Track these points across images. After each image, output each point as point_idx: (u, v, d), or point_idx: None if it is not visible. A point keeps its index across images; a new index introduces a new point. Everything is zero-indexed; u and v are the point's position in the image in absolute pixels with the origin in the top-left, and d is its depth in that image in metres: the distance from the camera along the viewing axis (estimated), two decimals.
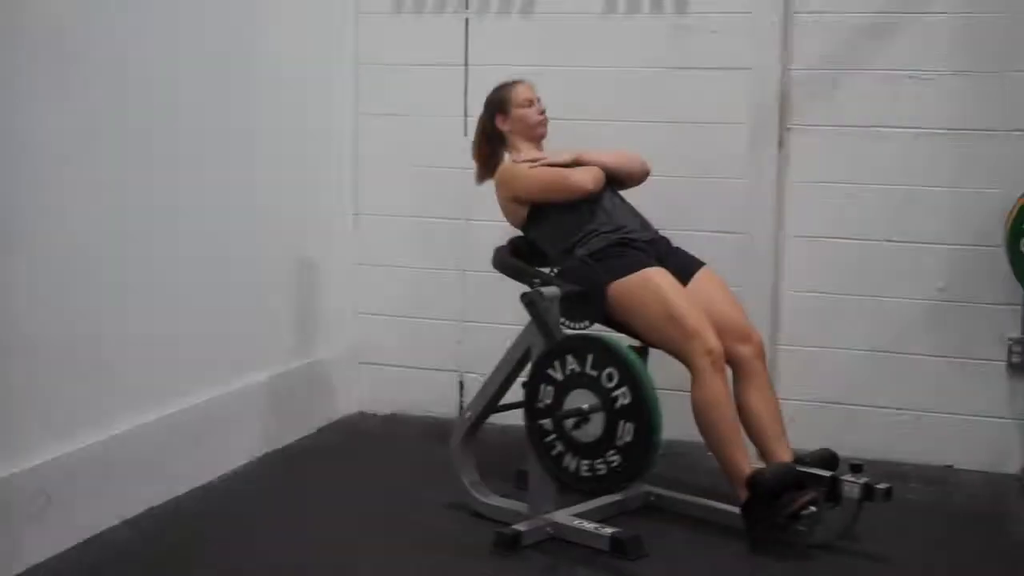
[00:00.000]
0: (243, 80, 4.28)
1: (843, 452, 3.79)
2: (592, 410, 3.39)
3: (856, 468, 3.61)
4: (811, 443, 3.95)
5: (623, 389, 3.34)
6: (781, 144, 4.53)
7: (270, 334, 4.58)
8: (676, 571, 3.47)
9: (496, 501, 3.86)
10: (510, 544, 3.55)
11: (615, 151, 4.08)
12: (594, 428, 3.40)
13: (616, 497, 3.92)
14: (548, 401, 3.51)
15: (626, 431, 3.34)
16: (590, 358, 3.42)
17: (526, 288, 3.72)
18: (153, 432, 3.84)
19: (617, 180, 4.05)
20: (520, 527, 3.61)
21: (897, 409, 4.54)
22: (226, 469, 4.23)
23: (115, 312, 3.67)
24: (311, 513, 3.89)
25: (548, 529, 3.66)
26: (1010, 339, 4.40)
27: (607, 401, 3.37)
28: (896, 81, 4.43)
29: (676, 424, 3.68)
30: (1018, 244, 4.02)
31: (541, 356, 3.58)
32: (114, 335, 3.67)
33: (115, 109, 3.63)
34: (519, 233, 4.13)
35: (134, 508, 3.77)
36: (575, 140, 4.68)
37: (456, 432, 3.94)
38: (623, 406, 3.34)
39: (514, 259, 3.98)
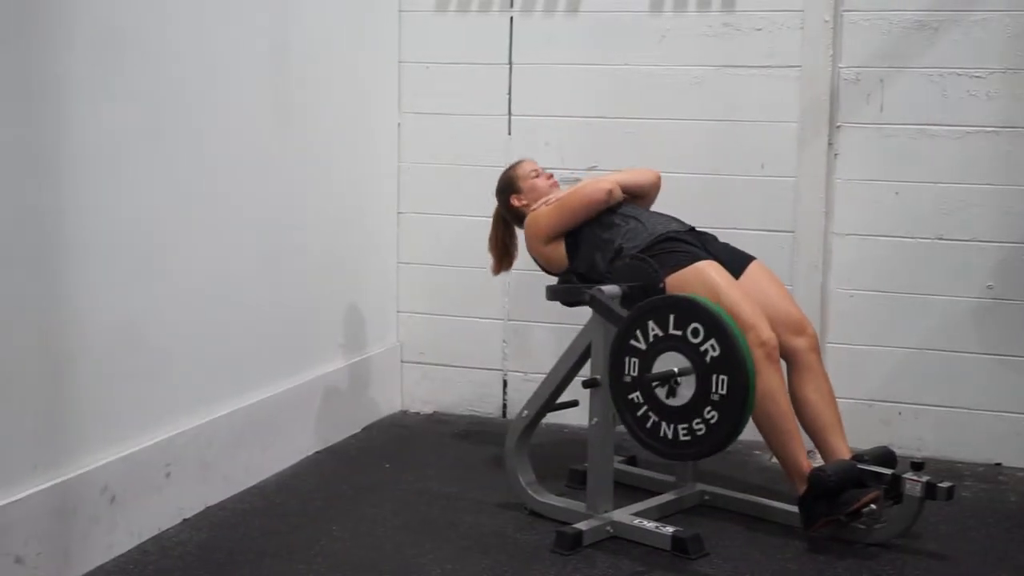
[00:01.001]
0: (287, 79, 4.26)
1: (895, 450, 3.79)
2: (683, 372, 3.37)
3: (917, 466, 3.60)
4: (858, 441, 3.96)
5: (711, 342, 3.32)
6: (830, 142, 4.52)
7: (319, 334, 4.58)
8: (739, 569, 3.46)
9: (554, 500, 3.86)
10: (571, 544, 3.55)
11: (626, 169, 4.20)
12: (686, 389, 3.36)
13: (671, 496, 3.93)
14: (635, 373, 3.47)
15: (720, 384, 3.31)
16: (672, 318, 3.39)
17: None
18: (210, 432, 3.85)
19: (635, 196, 4.11)
20: (581, 526, 3.61)
21: (946, 407, 4.53)
22: (280, 468, 4.25)
23: (170, 314, 3.66)
24: (369, 513, 3.89)
25: (608, 528, 3.66)
26: None
27: (697, 358, 3.34)
28: (944, 79, 4.42)
29: None
30: None
31: (621, 329, 3.53)
32: (170, 337, 3.67)
33: (167, 108, 3.61)
34: None
35: (193, 507, 3.78)
36: (622, 138, 4.72)
37: (512, 431, 3.94)
38: (714, 359, 3.31)
39: (564, 283, 4.04)
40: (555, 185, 4.25)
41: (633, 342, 3.47)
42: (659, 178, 4.18)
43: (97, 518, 3.35)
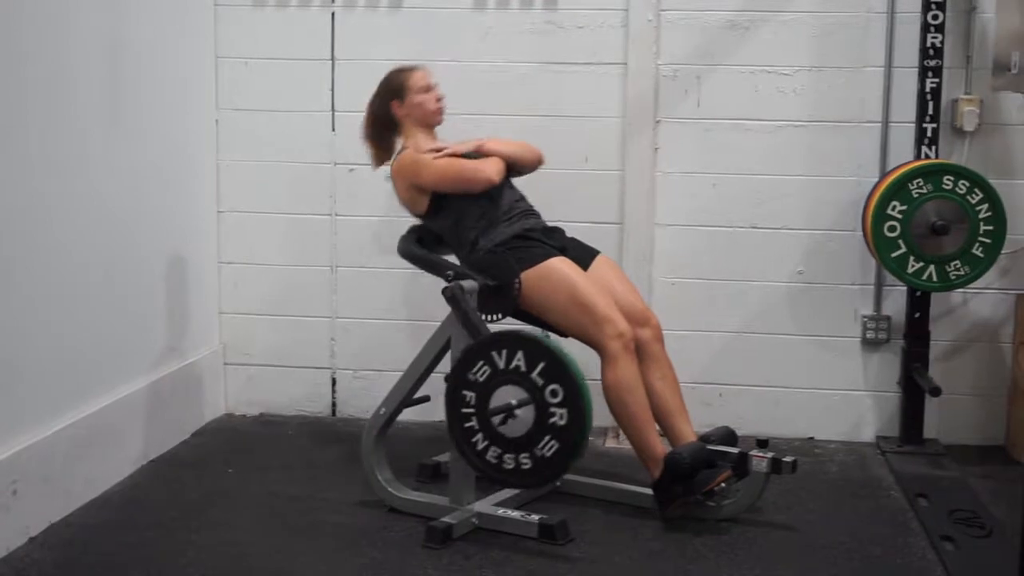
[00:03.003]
0: (102, 76, 4.05)
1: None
2: (521, 404, 3.52)
3: (762, 443, 3.81)
4: None
5: (553, 380, 3.49)
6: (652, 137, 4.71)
7: (144, 339, 4.41)
8: (606, 552, 3.57)
9: (415, 496, 3.87)
10: (442, 538, 3.58)
11: (513, 141, 4.12)
12: (523, 422, 3.53)
13: None
14: (474, 406, 3.62)
15: (560, 416, 3.49)
16: (519, 354, 3.53)
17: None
18: (52, 445, 3.68)
19: (514, 170, 4.11)
20: (449, 519, 3.64)
21: (763, 387, 4.80)
22: (118, 479, 4.10)
23: (14, 321, 3.49)
24: (227, 519, 3.80)
25: (474, 520, 3.71)
26: (864, 316, 4.73)
27: (536, 391, 3.51)
28: (756, 76, 4.68)
29: None
30: (882, 228, 4.30)
31: (465, 355, 3.63)
32: (14, 347, 3.49)
33: (14, 108, 3.44)
34: (408, 218, 4.17)
35: (38, 525, 3.60)
36: (448, 134, 4.73)
37: (369, 429, 3.92)
38: (553, 392, 3.50)
39: (424, 250, 3.99)
40: (442, 109, 4.14)
41: (472, 376, 3.61)
42: (541, 161, 4.18)
43: None
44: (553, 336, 3.99)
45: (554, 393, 3.49)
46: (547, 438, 3.50)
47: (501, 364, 3.56)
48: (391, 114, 4.13)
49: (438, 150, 4.02)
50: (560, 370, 3.49)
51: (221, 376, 5.03)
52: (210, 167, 4.93)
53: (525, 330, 3.72)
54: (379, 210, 4.86)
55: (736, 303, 4.78)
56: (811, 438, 4.78)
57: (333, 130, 4.89)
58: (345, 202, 4.91)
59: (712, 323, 4.79)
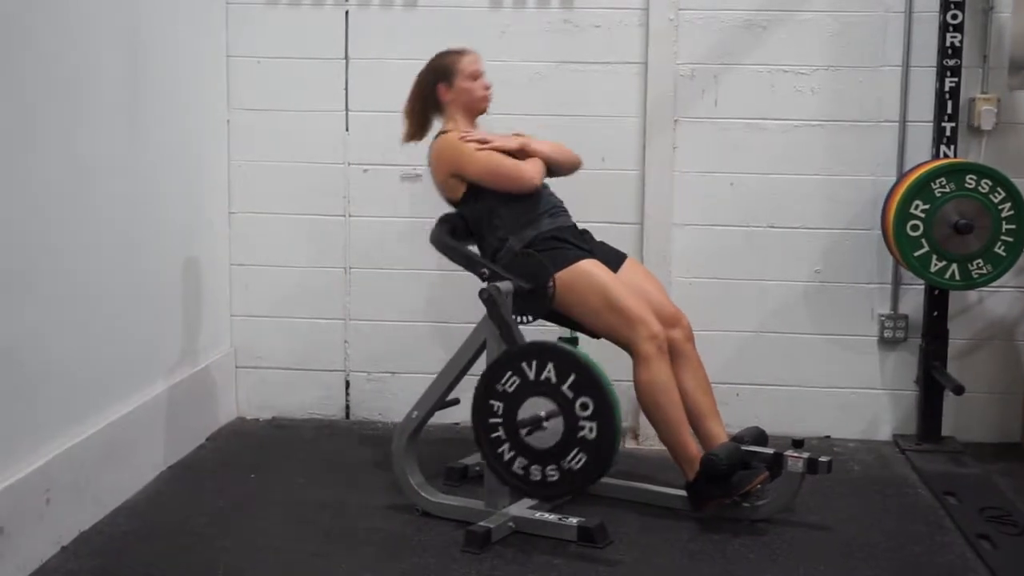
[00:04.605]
0: (121, 76, 3.97)
1: (732, 428, 4.00)
2: (550, 416, 3.53)
3: (798, 443, 3.80)
4: None
5: (584, 393, 3.49)
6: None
7: (161, 343, 4.33)
8: (647, 555, 3.55)
9: (448, 500, 3.84)
10: (482, 542, 3.54)
11: (554, 143, 4.09)
12: (552, 433, 3.53)
13: None
14: (501, 417, 3.61)
15: (590, 430, 3.48)
16: (549, 366, 3.53)
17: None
18: (82, 452, 3.62)
19: (551, 171, 4.07)
20: (487, 524, 3.61)
21: (780, 386, 4.80)
22: (141, 485, 4.04)
23: (43, 326, 3.42)
24: (258, 527, 3.74)
25: (510, 524, 3.67)
26: (881, 315, 4.74)
27: (566, 403, 3.51)
28: (773, 76, 4.67)
29: None
30: (905, 227, 4.31)
31: (494, 365, 3.62)
32: (43, 351, 3.43)
33: (38, 109, 3.37)
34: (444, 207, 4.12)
35: (68, 534, 3.54)
36: None
37: (400, 432, 3.88)
38: (584, 405, 3.49)
39: (460, 244, 3.95)
40: (489, 98, 4.10)
41: (500, 387, 3.59)
42: (579, 165, 4.16)
43: None
44: (582, 339, 3.98)
45: (584, 406, 3.48)
46: (575, 451, 3.50)
47: (531, 375, 3.54)
48: (437, 96, 4.07)
49: (483, 141, 3.97)
50: (591, 383, 3.48)
51: (232, 380, 4.96)
52: (221, 168, 4.86)
53: (557, 342, 3.71)
54: (393, 211, 4.83)
55: (753, 302, 4.78)
56: (828, 437, 4.79)
57: (347, 130, 4.84)
58: (359, 203, 4.86)
59: (729, 322, 4.79)
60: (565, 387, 3.51)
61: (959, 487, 4.13)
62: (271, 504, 3.96)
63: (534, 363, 3.55)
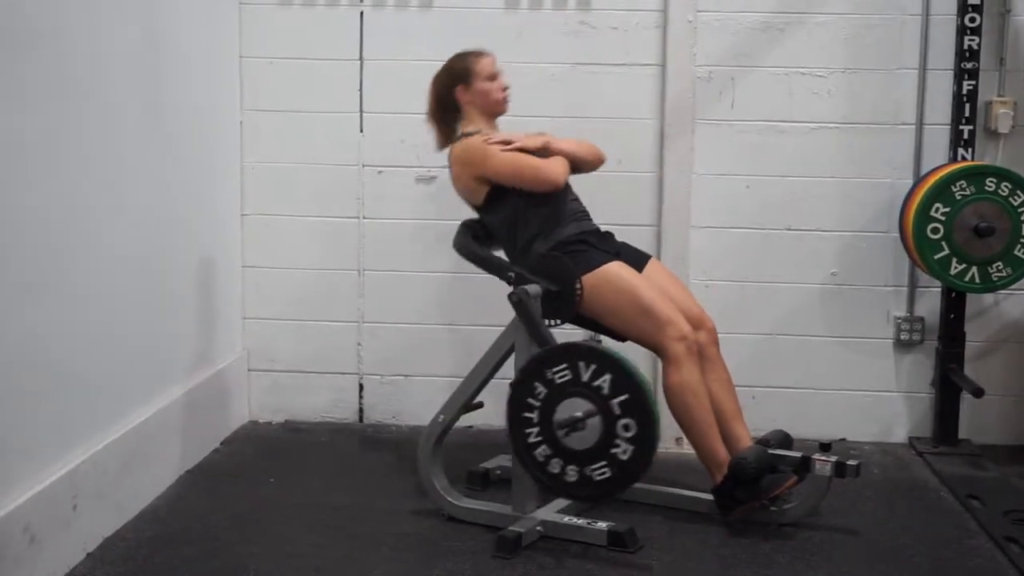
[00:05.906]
0: (138, 78, 3.91)
1: (750, 431, 3.96)
2: (588, 415, 3.46)
3: (825, 447, 3.79)
4: None
5: (620, 391, 3.42)
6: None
7: (175, 345, 4.28)
8: (679, 559, 3.54)
9: (475, 504, 3.81)
10: (512, 547, 3.52)
11: (577, 140, 4.04)
12: (591, 433, 3.47)
13: None
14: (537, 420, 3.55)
15: (628, 427, 3.42)
16: (581, 366, 3.47)
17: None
18: (105, 458, 3.57)
19: (575, 169, 4.03)
20: (517, 528, 3.58)
21: (796, 388, 4.80)
22: (161, 490, 4.00)
23: (68, 327, 3.38)
24: (283, 532, 3.70)
25: (539, 528, 3.65)
26: (897, 318, 4.74)
27: (602, 403, 3.45)
28: (790, 78, 4.67)
29: None
30: (925, 230, 4.31)
31: (530, 364, 3.57)
32: (69, 353, 3.38)
33: (63, 109, 3.33)
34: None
35: (93, 540, 3.50)
36: None
37: (427, 437, 3.85)
38: (621, 403, 3.43)
39: (484, 249, 3.92)
40: (507, 99, 4.06)
41: (530, 398, 3.55)
42: (602, 160, 4.11)
43: (19, 560, 3.04)
44: (606, 341, 3.96)
45: (622, 405, 3.43)
46: (616, 449, 3.44)
47: (568, 375, 3.49)
48: (454, 98, 4.03)
49: (506, 142, 3.93)
50: (627, 381, 3.43)
51: (245, 383, 4.92)
52: (234, 169, 4.82)
53: (596, 343, 3.67)
54: (408, 213, 4.80)
55: (769, 304, 4.78)
56: (843, 439, 4.77)
57: (361, 131, 4.80)
58: (373, 205, 4.82)
59: (745, 324, 4.77)
60: (603, 388, 3.43)
61: (981, 490, 4.13)
62: (292, 508, 3.92)
63: (573, 363, 3.47)
